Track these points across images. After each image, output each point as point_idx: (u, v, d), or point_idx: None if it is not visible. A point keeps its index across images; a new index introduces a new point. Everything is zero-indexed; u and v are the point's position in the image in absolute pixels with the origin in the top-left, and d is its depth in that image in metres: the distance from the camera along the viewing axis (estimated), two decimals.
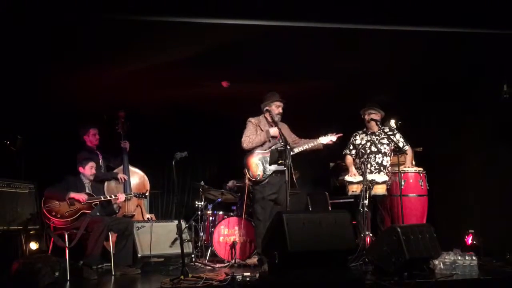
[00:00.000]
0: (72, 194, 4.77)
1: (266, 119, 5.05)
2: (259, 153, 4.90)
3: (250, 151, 4.92)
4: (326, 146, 5.07)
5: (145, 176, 6.02)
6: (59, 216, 4.67)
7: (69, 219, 4.70)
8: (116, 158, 5.90)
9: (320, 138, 4.98)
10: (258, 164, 4.85)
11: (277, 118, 4.95)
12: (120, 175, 5.68)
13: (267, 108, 5.00)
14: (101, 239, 4.66)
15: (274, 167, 4.77)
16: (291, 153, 4.65)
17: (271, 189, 4.84)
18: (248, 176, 4.88)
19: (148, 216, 5.83)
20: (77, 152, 5.42)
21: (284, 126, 5.09)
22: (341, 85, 6.19)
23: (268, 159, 4.80)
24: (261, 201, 4.85)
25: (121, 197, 5.13)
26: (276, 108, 4.99)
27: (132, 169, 5.92)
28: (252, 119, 5.06)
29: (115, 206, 5.27)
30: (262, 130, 4.97)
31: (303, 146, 4.97)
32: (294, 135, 5.15)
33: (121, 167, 5.84)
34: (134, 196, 5.53)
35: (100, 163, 5.64)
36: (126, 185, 5.69)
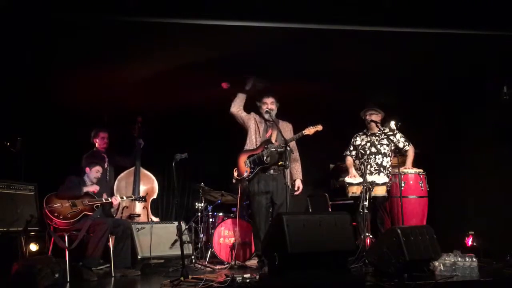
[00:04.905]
0: (86, 188, 4.91)
1: (263, 118, 5.05)
2: (249, 152, 4.94)
3: (243, 150, 4.98)
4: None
5: (156, 181, 6.11)
6: (61, 217, 4.68)
7: (71, 220, 4.70)
8: (128, 157, 6.07)
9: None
10: (246, 163, 4.90)
11: (267, 116, 4.94)
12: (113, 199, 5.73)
13: (259, 108, 5.03)
14: (102, 241, 4.67)
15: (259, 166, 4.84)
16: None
17: (265, 186, 4.87)
18: (235, 175, 4.96)
19: (154, 218, 5.87)
20: (84, 153, 5.66)
21: (286, 127, 5.07)
22: (341, 86, 6.19)
23: (256, 157, 4.84)
24: (255, 196, 4.88)
25: (115, 201, 5.14)
26: (263, 105, 5.00)
27: (145, 172, 6.07)
28: (253, 113, 5.12)
29: (112, 210, 5.27)
30: (258, 127, 5.00)
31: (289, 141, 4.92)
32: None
33: (133, 168, 5.98)
34: (134, 199, 5.58)
35: (106, 166, 5.74)
36: (135, 187, 5.83)
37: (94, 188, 4.99)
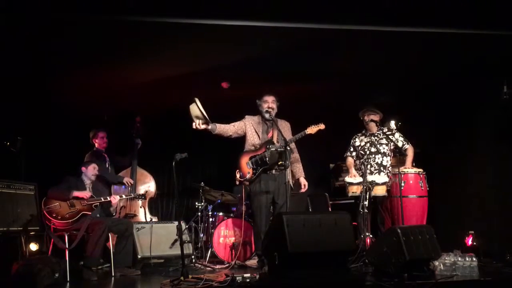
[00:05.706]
0: (76, 193, 4.81)
1: (262, 117, 5.04)
2: (250, 153, 4.92)
3: (244, 151, 4.97)
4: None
5: (153, 181, 6.13)
6: (59, 217, 4.67)
7: (70, 220, 4.70)
8: (124, 157, 6.09)
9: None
10: (249, 164, 4.88)
11: (267, 116, 4.92)
12: (126, 179, 5.76)
13: (259, 107, 5.02)
14: (101, 240, 4.66)
15: (262, 167, 4.83)
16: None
17: (266, 185, 4.87)
18: (238, 177, 4.93)
19: (152, 218, 5.87)
20: (85, 153, 5.71)
21: (285, 125, 5.07)
22: (340, 86, 6.19)
23: (258, 158, 4.83)
24: (257, 195, 4.88)
25: (114, 199, 5.11)
26: (264, 103, 4.98)
27: (143, 171, 6.07)
28: (247, 117, 5.09)
29: (111, 209, 5.27)
30: (255, 129, 4.99)
31: (292, 141, 4.94)
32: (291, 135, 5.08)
33: (130, 167, 5.98)
34: (134, 197, 5.58)
35: (107, 165, 5.76)
36: (132, 187, 5.81)
37: (84, 195, 4.84)
